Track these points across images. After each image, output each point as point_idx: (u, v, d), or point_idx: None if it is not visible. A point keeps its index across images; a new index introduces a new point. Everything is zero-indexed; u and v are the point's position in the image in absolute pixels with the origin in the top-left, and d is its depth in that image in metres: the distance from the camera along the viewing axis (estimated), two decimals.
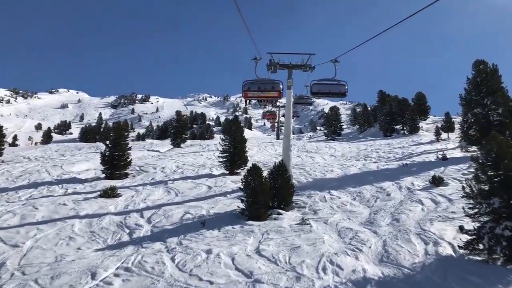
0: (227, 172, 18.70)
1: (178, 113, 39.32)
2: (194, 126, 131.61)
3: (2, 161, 23.07)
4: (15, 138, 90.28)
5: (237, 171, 18.78)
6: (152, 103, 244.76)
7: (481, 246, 7.49)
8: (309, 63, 15.57)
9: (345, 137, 50.44)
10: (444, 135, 32.14)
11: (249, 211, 10.82)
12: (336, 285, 6.56)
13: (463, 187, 8.23)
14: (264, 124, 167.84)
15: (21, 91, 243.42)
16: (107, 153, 17.62)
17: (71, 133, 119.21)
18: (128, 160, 18.32)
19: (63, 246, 9.15)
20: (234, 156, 18.85)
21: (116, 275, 7.11)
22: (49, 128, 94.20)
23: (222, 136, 21.57)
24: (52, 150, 32.42)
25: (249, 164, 16.86)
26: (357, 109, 75.04)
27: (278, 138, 52.21)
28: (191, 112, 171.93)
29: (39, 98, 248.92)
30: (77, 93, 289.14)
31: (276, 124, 59.61)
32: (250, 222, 10.45)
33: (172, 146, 34.51)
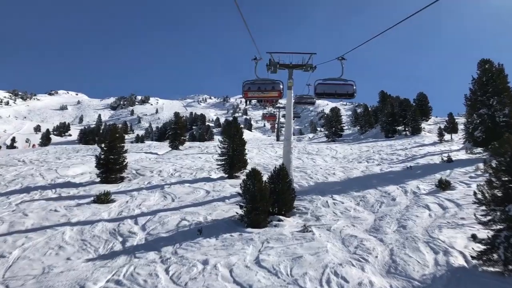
0: (226, 175, 18.21)
1: (176, 114, 38.90)
2: (193, 127, 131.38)
3: None
4: (13, 140, 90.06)
5: (236, 174, 18.29)
6: (151, 105, 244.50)
7: (495, 257, 7.01)
8: (310, 62, 15.08)
9: (346, 138, 50.08)
10: (447, 136, 31.70)
11: (248, 218, 10.34)
12: None
13: (475, 193, 7.75)
14: (264, 125, 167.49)
15: (20, 93, 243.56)
16: (102, 156, 17.13)
17: (70, 135, 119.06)
18: (124, 163, 17.84)
19: (52, 256, 8.66)
20: (233, 159, 18.35)
21: None
22: (47, 130, 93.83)
23: (220, 138, 21.12)
24: (49, 152, 31.99)
25: (249, 167, 16.45)
26: (358, 110, 74.48)
27: (278, 139, 51.87)
28: (191, 113, 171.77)
29: (38, 99, 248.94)
30: (77, 94, 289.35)
31: (276, 125, 59.21)
32: (249, 229, 9.96)
33: (170, 149, 34.03)
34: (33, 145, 71.31)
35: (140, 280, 6.99)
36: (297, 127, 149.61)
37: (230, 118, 23.27)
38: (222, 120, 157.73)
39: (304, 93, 26.42)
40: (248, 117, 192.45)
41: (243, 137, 19.78)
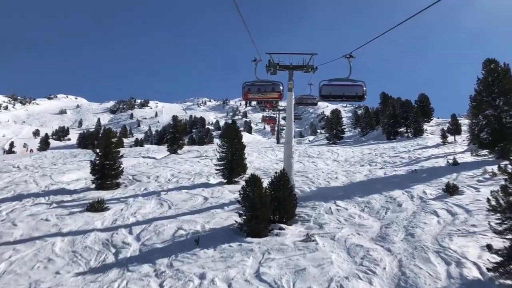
0: (225, 181, 17.66)
1: (175, 118, 38.35)
2: (193, 130, 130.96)
3: None
4: (12, 145, 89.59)
5: (235, 179, 17.76)
6: (151, 108, 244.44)
7: None
8: (311, 63, 14.60)
9: (347, 140, 49.60)
10: (450, 138, 31.20)
11: (248, 227, 9.82)
12: None
13: (488, 199, 7.25)
14: (264, 128, 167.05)
15: (19, 97, 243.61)
16: (97, 162, 16.62)
17: (69, 139, 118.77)
18: (120, 169, 17.32)
19: (40, 270, 8.17)
20: (232, 164, 17.82)
21: None
22: (46, 134, 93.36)
23: (218, 142, 20.60)
24: (46, 157, 31.45)
25: (249, 172, 15.92)
26: (359, 112, 73.90)
27: (278, 142, 51.41)
28: (191, 116, 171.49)
29: (38, 104, 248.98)
30: (76, 98, 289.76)
31: (276, 127, 58.76)
32: (249, 239, 9.43)
33: (168, 153, 33.49)
34: (31, 150, 70.82)
35: None
36: (297, 129, 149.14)
37: (230, 121, 22.73)
38: (222, 123, 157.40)
39: (305, 93, 25.94)
40: (248, 119, 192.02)
41: (242, 140, 19.25)
